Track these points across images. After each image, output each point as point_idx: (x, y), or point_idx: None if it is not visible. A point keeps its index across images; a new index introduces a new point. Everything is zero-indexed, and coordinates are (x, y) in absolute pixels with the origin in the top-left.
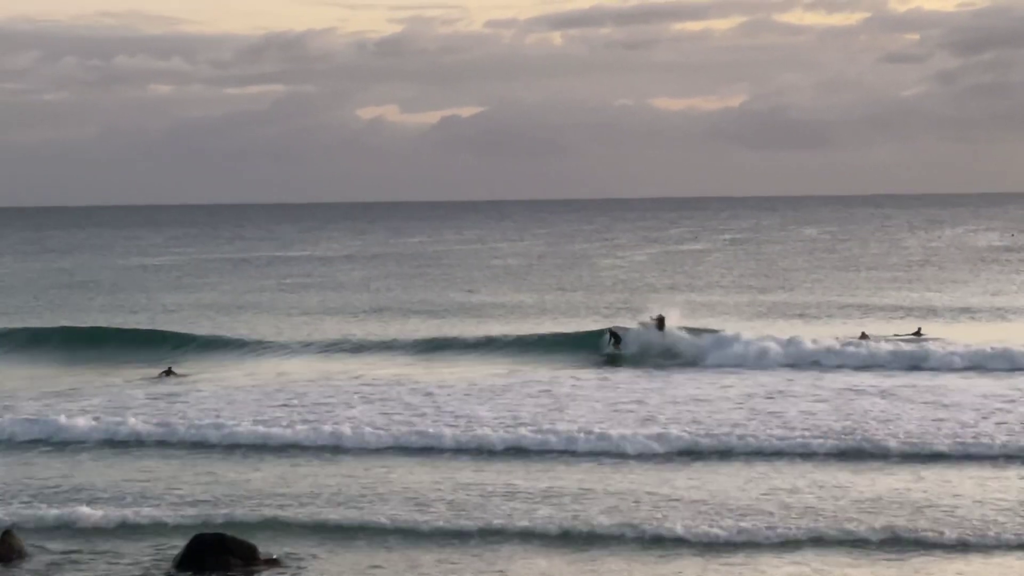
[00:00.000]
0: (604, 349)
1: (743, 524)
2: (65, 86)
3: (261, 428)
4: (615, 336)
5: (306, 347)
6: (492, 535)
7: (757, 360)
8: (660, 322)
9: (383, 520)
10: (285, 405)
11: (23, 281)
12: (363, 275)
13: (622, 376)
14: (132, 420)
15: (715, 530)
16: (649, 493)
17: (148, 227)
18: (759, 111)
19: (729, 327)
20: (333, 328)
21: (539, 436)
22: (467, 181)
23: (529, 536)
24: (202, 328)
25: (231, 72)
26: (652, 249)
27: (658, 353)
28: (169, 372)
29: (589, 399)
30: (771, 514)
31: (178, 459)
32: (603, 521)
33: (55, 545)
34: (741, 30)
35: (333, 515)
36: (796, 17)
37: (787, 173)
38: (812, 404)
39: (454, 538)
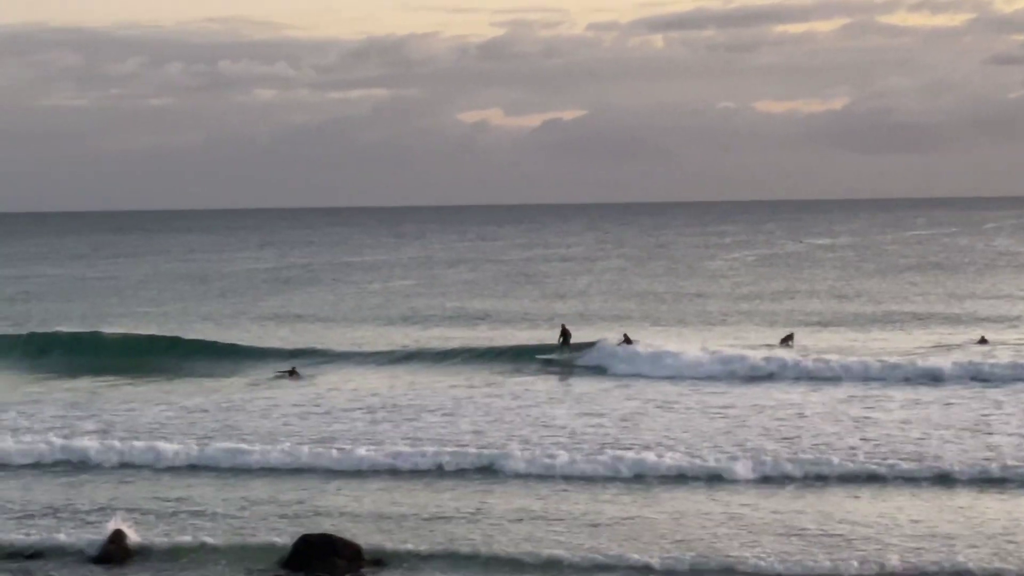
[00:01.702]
0: (554, 351)
1: None
2: (170, 91)
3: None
4: (565, 335)
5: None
6: None
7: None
8: (627, 340)
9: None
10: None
11: (142, 283)
12: (472, 277)
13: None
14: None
15: None
16: None
17: (252, 231)
18: (862, 113)
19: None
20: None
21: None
22: (569, 184)
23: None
24: (315, 336)
25: (334, 76)
26: (758, 251)
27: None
28: (293, 372)
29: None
30: None
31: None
32: None
33: (163, 542)
34: (844, 32)
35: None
36: (900, 19)
37: (890, 176)
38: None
39: None
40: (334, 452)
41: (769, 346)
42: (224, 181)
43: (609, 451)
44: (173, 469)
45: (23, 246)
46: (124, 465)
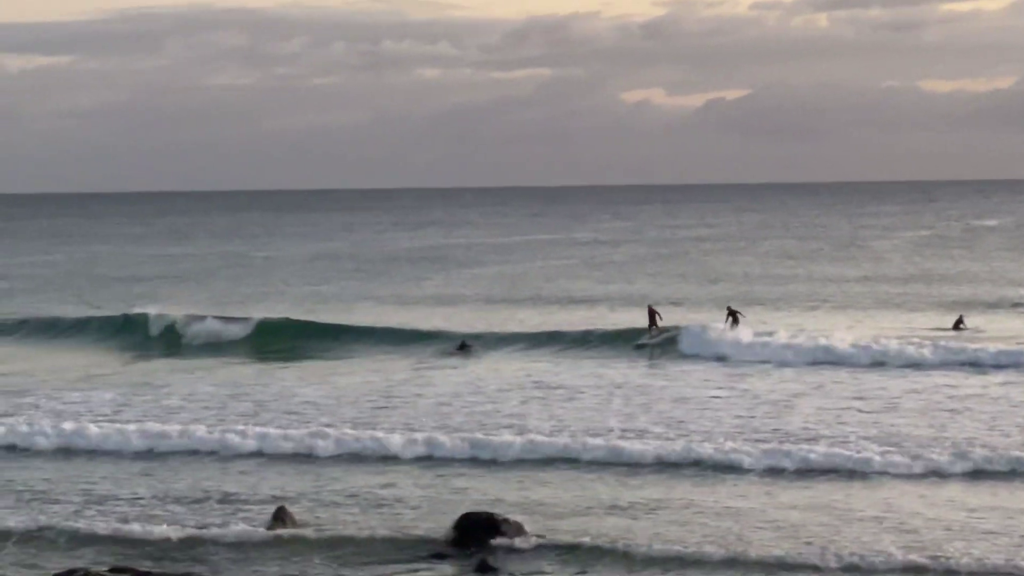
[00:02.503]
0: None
1: None
2: (334, 71)
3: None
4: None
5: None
6: None
7: None
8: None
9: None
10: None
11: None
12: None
13: None
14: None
15: None
16: None
17: (411, 210)
18: None
19: None
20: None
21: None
22: (731, 164)
23: None
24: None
25: (497, 56)
26: (922, 232)
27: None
28: (463, 346)
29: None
30: None
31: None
32: None
33: (326, 516)
34: (1012, 10)
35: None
36: None
37: None
38: None
39: None
40: (516, 439)
41: (941, 330)
42: (385, 161)
43: (789, 443)
44: (328, 458)
45: (183, 223)
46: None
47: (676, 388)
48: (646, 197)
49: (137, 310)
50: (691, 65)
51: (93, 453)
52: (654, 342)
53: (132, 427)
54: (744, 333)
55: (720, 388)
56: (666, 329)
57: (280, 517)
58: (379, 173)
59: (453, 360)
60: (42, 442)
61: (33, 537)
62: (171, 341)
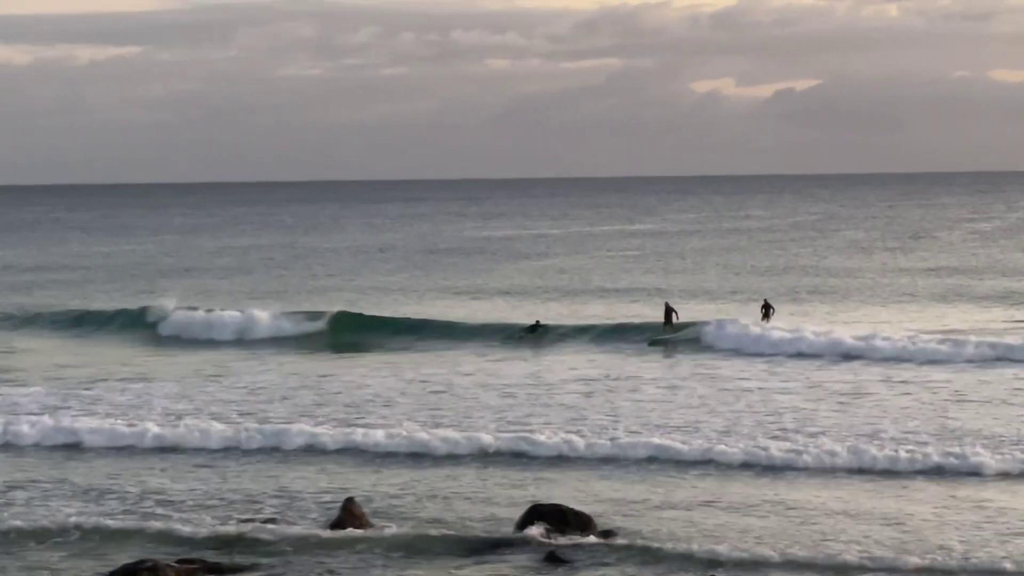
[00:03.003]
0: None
1: None
2: (402, 61)
3: None
4: (668, 315)
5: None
6: None
7: None
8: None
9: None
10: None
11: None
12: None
13: None
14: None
15: None
16: None
17: (480, 202)
18: None
19: None
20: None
21: None
22: (800, 154)
23: None
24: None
25: (566, 47)
26: (993, 223)
27: None
28: (537, 327)
29: None
30: None
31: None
32: None
33: (391, 510)
34: None
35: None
36: None
37: None
38: None
39: None
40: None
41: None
42: (454, 151)
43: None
44: (391, 453)
45: (252, 214)
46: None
47: (737, 380)
48: (716, 187)
49: (204, 304)
50: (761, 55)
51: (153, 449)
52: (670, 338)
53: (188, 423)
54: (794, 326)
55: (786, 381)
56: (684, 326)
57: (346, 511)
58: (447, 164)
59: (523, 349)
60: (98, 440)
61: (96, 530)
62: (240, 335)
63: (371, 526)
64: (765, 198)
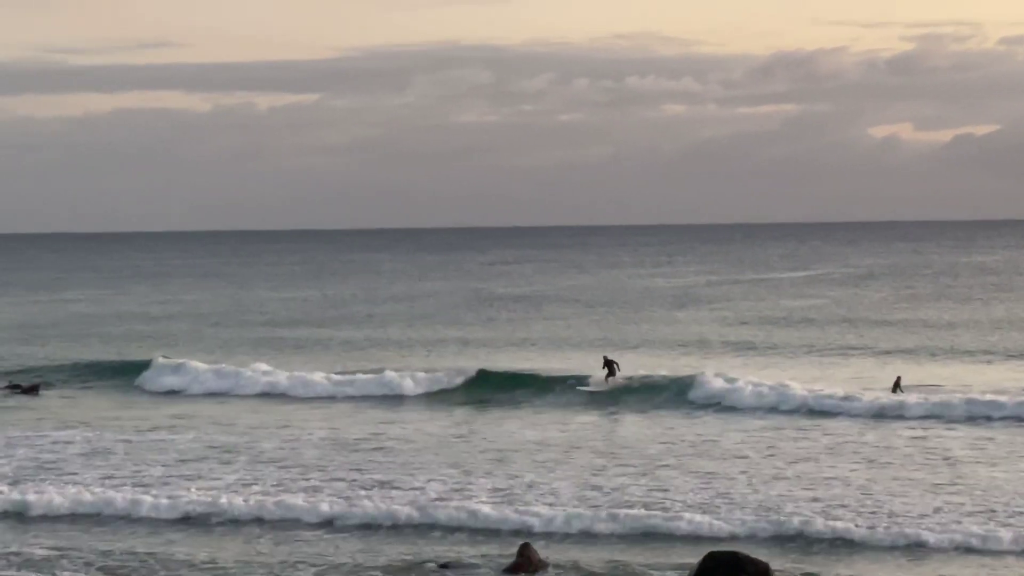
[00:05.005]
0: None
1: None
2: (578, 107)
3: None
4: (609, 367)
5: None
6: None
7: None
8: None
9: None
10: None
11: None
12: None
13: None
14: None
15: None
16: None
17: (656, 246)
18: None
19: None
20: None
21: None
22: (980, 199)
23: None
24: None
25: (741, 92)
26: None
27: None
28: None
29: None
30: None
31: None
32: None
33: (567, 557)
34: None
35: None
36: None
37: None
38: None
39: None
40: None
41: None
42: (630, 197)
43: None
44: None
45: (434, 261)
46: None
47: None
48: (895, 233)
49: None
50: (939, 100)
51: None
52: (601, 389)
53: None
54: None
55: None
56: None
57: (523, 556)
58: (623, 209)
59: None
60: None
61: None
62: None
63: (546, 569)
64: (947, 244)
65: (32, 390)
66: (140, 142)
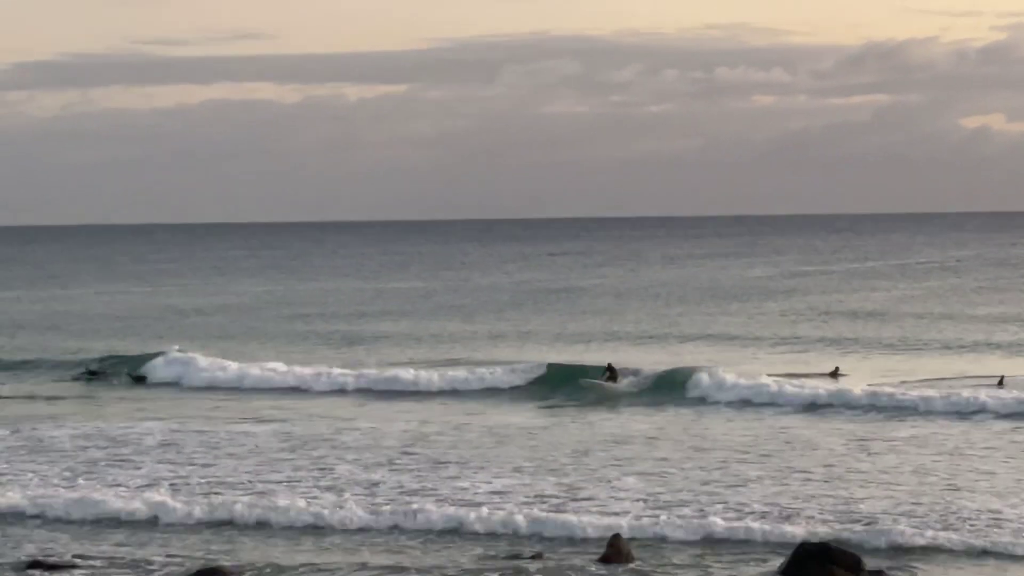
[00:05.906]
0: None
1: None
2: (667, 98)
3: None
4: (612, 373)
5: None
6: None
7: None
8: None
9: None
10: None
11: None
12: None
13: None
14: None
15: None
16: None
17: (751, 237)
18: None
19: None
20: None
21: None
22: None
23: None
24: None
25: (831, 82)
26: None
27: None
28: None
29: None
30: None
31: None
32: None
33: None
34: None
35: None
36: None
37: None
38: None
39: None
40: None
41: None
42: (720, 188)
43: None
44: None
45: (528, 251)
46: None
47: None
48: (990, 223)
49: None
50: None
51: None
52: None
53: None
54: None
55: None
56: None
57: (614, 547)
58: (712, 200)
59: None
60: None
61: None
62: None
63: (634, 561)
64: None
65: (140, 380)
66: (230, 134)
